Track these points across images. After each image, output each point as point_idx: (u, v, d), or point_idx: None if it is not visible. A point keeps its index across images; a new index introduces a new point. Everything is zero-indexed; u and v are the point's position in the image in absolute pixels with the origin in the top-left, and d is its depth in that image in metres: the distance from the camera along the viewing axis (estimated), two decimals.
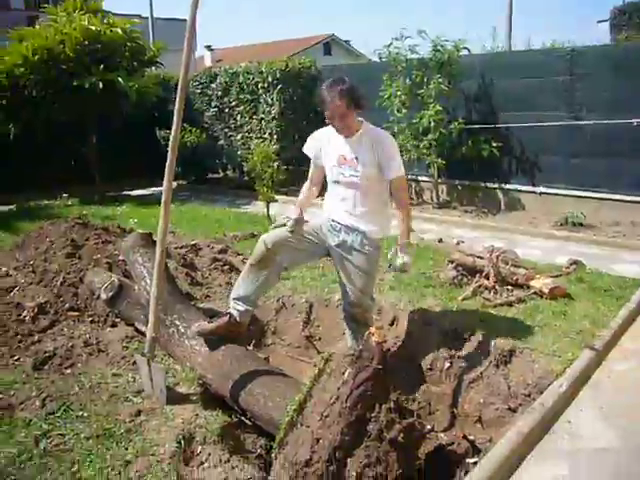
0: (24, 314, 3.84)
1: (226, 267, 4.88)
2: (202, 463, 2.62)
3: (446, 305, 4.12)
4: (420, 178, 8.37)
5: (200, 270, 4.79)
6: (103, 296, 3.71)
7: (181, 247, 5.31)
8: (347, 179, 3.25)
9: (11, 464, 2.53)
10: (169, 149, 2.90)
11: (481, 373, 3.54)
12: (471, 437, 3.42)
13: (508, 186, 7.61)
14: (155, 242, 3.90)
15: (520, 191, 7.51)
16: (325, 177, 3.46)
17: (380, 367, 2.70)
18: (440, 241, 6.14)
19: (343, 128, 3.16)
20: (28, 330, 3.73)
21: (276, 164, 6.82)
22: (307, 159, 3.52)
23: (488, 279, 4.26)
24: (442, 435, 3.51)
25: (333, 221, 3.35)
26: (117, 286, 3.67)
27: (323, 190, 3.55)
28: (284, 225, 3.30)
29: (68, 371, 3.33)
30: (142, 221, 7.27)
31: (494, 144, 7.19)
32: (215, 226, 6.92)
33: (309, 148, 3.45)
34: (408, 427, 2.70)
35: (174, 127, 2.89)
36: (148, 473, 2.46)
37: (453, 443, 3.43)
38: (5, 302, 3.98)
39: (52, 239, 4.52)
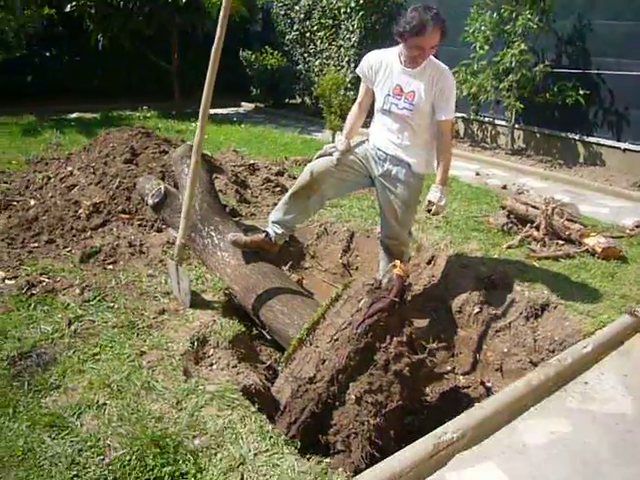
0: (80, 211, 4.10)
1: (277, 189, 4.94)
2: (211, 365, 2.76)
3: (488, 251, 3.99)
4: (497, 122, 7.90)
5: (251, 189, 4.87)
6: (149, 202, 3.88)
7: (239, 165, 5.40)
8: (399, 111, 3.16)
9: (45, 339, 2.79)
10: (210, 60, 2.89)
11: (509, 323, 3.46)
12: (489, 384, 3.40)
13: (590, 139, 7.03)
14: (205, 155, 4.01)
15: (602, 145, 6.92)
16: (373, 103, 3.36)
17: (396, 300, 2.70)
18: (504, 188, 5.86)
19: (416, 59, 3.02)
20: (82, 226, 3.99)
21: (346, 93, 6.65)
22: None
23: (538, 230, 4.05)
24: (461, 378, 3.51)
25: (379, 150, 3.29)
26: (162, 194, 3.81)
27: (368, 119, 3.46)
28: (330, 155, 3.26)
29: (110, 267, 3.56)
30: (211, 138, 7.41)
31: (581, 91, 6.60)
32: (280, 149, 6.96)
33: (363, 70, 3.29)
34: (417, 363, 2.71)
35: (217, 37, 2.86)
36: (158, 364, 2.63)
37: (470, 387, 3.43)
38: (66, 199, 4.26)
39: (114, 144, 4.72)
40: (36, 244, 3.84)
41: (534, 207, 4.24)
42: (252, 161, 5.64)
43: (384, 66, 3.18)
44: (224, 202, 4.32)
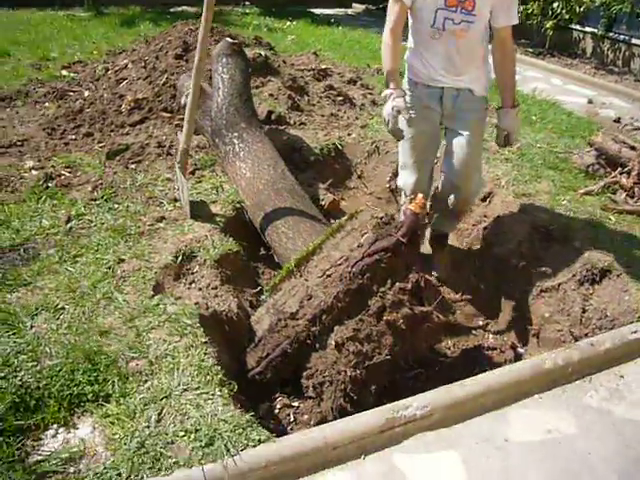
0: (123, 106, 3.96)
1: (339, 98, 4.46)
2: (191, 283, 2.56)
3: (559, 196, 3.31)
4: (634, 41, 6.53)
5: (310, 96, 4.44)
6: (182, 100, 3.63)
7: (308, 70, 4.94)
8: (455, 27, 2.51)
9: (40, 234, 2.74)
10: None
11: (558, 285, 2.88)
12: (520, 350, 2.92)
13: None
14: (241, 52, 3.64)
15: None
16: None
17: (404, 240, 2.29)
18: (617, 121, 4.88)
19: None
20: (121, 122, 3.87)
21: None
22: None
23: (628, 176, 3.27)
24: (491, 337, 3.05)
25: (429, 87, 2.72)
26: None
27: None
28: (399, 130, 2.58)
29: (132, 166, 3.43)
30: (300, 38, 6.94)
31: None
32: (368, 56, 6.33)
33: None
34: (420, 315, 2.33)
35: None
36: (131, 275, 2.47)
37: (497, 349, 2.97)
38: (113, 92, 4.14)
39: (172, 38, 4.46)
40: (74, 136, 3.80)
41: (631, 148, 3.41)
42: (325, 66, 5.15)
43: None
44: (270, 107, 3.97)
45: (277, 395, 2.37)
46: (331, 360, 2.27)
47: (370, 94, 4.75)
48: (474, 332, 3.05)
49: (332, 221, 3.63)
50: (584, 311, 2.74)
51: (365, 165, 3.90)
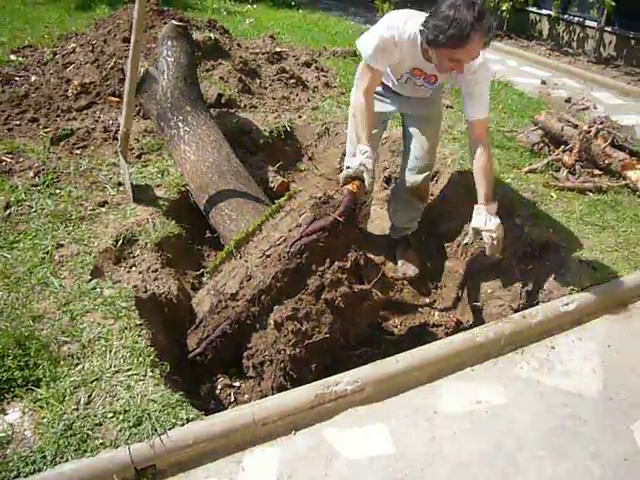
0: (69, 91, 3.88)
1: (292, 80, 4.43)
2: (132, 266, 2.54)
3: (504, 173, 3.35)
4: (587, 23, 6.61)
5: (262, 79, 4.40)
6: None
7: (262, 53, 4.89)
8: (416, 85, 2.64)
9: None
10: None
11: (499, 261, 2.91)
12: (464, 325, 2.96)
13: None
14: (186, 35, 3.58)
15: None
16: None
17: (341, 219, 2.29)
18: (567, 101, 4.95)
19: (447, 70, 2.31)
20: (67, 107, 3.79)
21: None
22: None
23: (570, 154, 3.33)
24: (436, 314, 3.10)
25: (394, 93, 2.79)
26: (140, 76, 3.46)
27: None
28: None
29: (78, 151, 3.36)
30: (259, 22, 6.87)
31: None
32: (326, 39, 6.30)
33: (380, 63, 2.43)
34: (359, 294, 2.36)
35: None
36: (69, 260, 2.44)
37: (441, 325, 3.02)
38: (59, 77, 4.05)
39: (121, 21, 4.37)
40: (18, 122, 3.70)
41: (574, 126, 3.47)
42: (280, 49, 5.11)
43: (402, 57, 2.45)
44: (220, 90, 3.93)
45: (219, 376, 2.39)
46: (271, 339, 2.29)
47: (324, 76, 4.74)
48: (420, 310, 3.09)
49: None
50: (524, 286, 2.80)
51: (315, 147, 3.89)
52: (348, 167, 2.37)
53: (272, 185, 3.55)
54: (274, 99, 4.17)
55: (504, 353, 2.24)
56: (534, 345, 2.29)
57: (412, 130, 2.88)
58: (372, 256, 3.07)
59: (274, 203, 3.05)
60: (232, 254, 2.56)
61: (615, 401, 2.07)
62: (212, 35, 4.20)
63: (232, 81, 4.09)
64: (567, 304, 2.39)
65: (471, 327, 2.90)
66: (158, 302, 2.40)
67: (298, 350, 2.24)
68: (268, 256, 2.40)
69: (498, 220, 2.34)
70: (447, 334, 2.87)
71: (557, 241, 2.80)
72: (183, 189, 3.07)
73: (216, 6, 7.78)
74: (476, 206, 2.40)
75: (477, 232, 2.37)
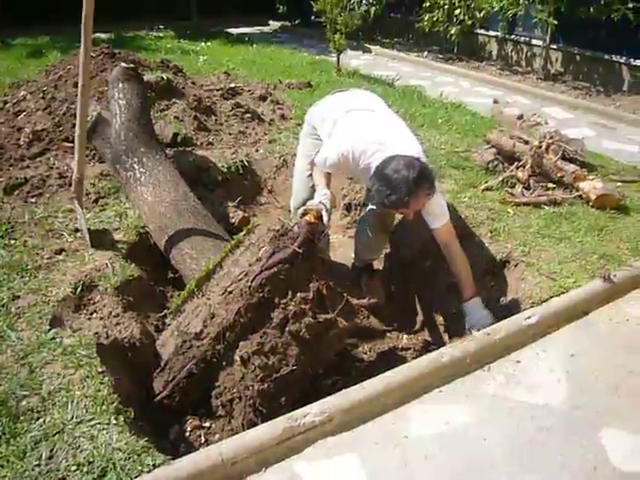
0: (21, 139, 3.84)
1: (247, 115, 4.47)
2: (93, 313, 2.50)
3: (461, 193, 3.43)
4: (533, 42, 6.88)
5: (217, 115, 4.44)
6: None
7: (217, 89, 4.94)
8: None
9: None
10: None
11: None
12: (434, 347, 2.97)
13: (638, 62, 5.97)
14: (137, 76, 3.61)
15: None
16: None
17: (300, 250, 2.30)
18: (520, 118, 5.07)
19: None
20: (20, 155, 3.75)
21: (353, 10, 5.93)
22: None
23: (524, 170, 3.42)
24: (404, 337, 3.10)
25: None
26: (93, 120, 3.46)
27: None
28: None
29: (32, 200, 3.32)
30: (214, 59, 6.95)
31: (630, 4, 5.50)
32: (281, 72, 6.40)
33: (335, 169, 2.70)
34: (324, 323, 2.35)
35: None
36: (27, 311, 2.38)
37: (410, 348, 3.02)
38: (11, 125, 4.01)
39: (72, 66, 4.37)
40: None
41: (525, 142, 3.58)
42: (234, 84, 5.17)
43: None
44: (176, 130, 3.94)
45: (188, 417, 2.34)
46: (238, 376, 2.26)
47: (280, 109, 4.80)
48: (388, 334, 3.10)
49: None
50: (487, 303, 2.84)
51: (274, 180, 3.92)
52: (308, 205, 2.43)
53: (233, 221, 3.55)
54: (230, 135, 4.20)
55: (471, 371, 2.25)
56: (500, 361, 2.31)
57: None
58: (336, 285, 3.10)
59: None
60: (194, 293, 2.54)
61: (582, 409, 2.09)
62: (164, 75, 4.24)
63: (187, 119, 4.11)
64: (529, 317, 2.42)
65: (438, 347, 2.94)
66: (121, 347, 2.35)
67: (266, 385, 2.22)
68: (230, 292, 2.39)
69: (487, 313, 2.56)
70: (416, 357, 2.88)
71: (516, 256, 2.86)
72: (142, 231, 3.05)
73: (170, 46, 7.86)
74: (464, 304, 2.62)
75: (468, 328, 2.54)
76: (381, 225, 2.91)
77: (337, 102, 2.86)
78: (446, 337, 3.01)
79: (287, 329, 2.26)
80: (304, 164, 2.96)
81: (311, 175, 2.85)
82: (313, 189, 2.84)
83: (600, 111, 5.41)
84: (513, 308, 2.64)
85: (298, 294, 2.32)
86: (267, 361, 2.23)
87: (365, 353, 3.01)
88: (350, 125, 2.65)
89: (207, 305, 2.44)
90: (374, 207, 2.87)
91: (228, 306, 2.33)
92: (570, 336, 2.46)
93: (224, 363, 2.30)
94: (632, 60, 6.04)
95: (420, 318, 3.16)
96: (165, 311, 2.75)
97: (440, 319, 3.06)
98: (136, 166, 3.19)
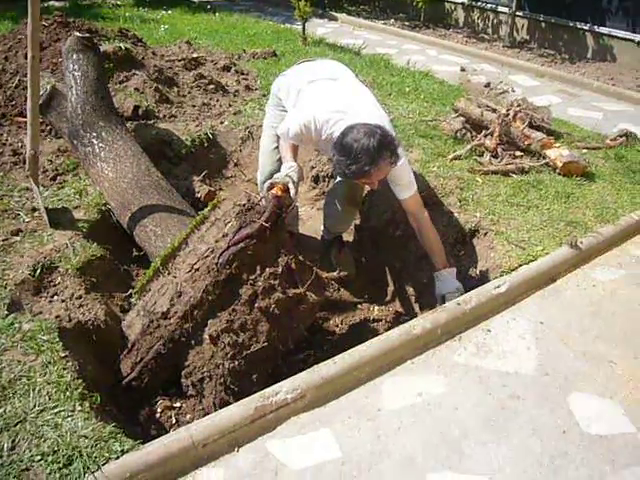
0: None
1: (210, 86, 4.33)
2: (54, 295, 2.40)
3: (430, 162, 3.40)
4: (500, 9, 6.82)
5: (180, 87, 4.28)
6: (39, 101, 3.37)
7: (179, 60, 4.76)
8: None
9: None
10: None
11: None
12: (406, 317, 2.98)
13: (602, 29, 6.00)
14: (97, 48, 3.44)
15: (615, 37, 5.92)
16: None
17: (267, 225, 2.24)
18: (487, 86, 5.07)
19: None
20: None
21: None
22: None
23: (492, 138, 3.41)
24: (375, 309, 3.10)
25: None
26: (47, 94, 3.29)
27: None
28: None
29: None
30: (176, 28, 6.69)
31: None
32: (245, 41, 6.20)
33: (299, 140, 2.58)
34: (294, 298, 2.31)
35: None
36: None
37: (382, 320, 3.02)
38: None
39: (21, 37, 4.14)
40: None
41: (493, 110, 3.55)
42: (197, 54, 4.99)
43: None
44: (136, 102, 3.79)
45: (158, 398, 2.29)
46: (208, 355, 2.22)
47: (245, 79, 4.66)
48: (359, 307, 3.09)
49: None
50: (459, 271, 2.84)
51: (240, 152, 3.82)
52: (274, 178, 2.36)
53: (199, 195, 3.46)
54: (194, 107, 4.06)
55: (442, 342, 2.25)
56: (470, 330, 2.32)
57: None
58: (305, 259, 3.07)
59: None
60: (159, 271, 2.47)
61: (551, 376, 2.11)
62: (123, 45, 4.05)
63: (148, 91, 3.96)
64: (499, 286, 2.43)
65: (410, 318, 2.94)
66: (85, 330, 2.28)
67: (237, 362, 2.19)
68: (197, 270, 2.33)
69: (458, 284, 2.54)
70: (387, 328, 2.88)
71: (485, 225, 2.86)
72: (104, 208, 2.94)
73: (129, 14, 7.53)
74: (435, 273, 2.59)
75: (442, 297, 2.53)
76: (350, 197, 2.86)
77: (302, 72, 2.77)
78: (417, 307, 3.01)
79: (256, 305, 2.22)
80: (270, 136, 2.88)
81: (277, 148, 2.78)
82: (280, 162, 2.77)
83: (565, 78, 5.41)
84: (483, 277, 2.65)
85: (267, 269, 2.28)
86: (237, 338, 2.20)
87: (337, 326, 3.00)
88: (313, 94, 2.57)
89: (173, 283, 2.38)
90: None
91: (195, 284, 2.28)
92: (539, 304, 2.48)
93: (193, 342, 2.26)
94: (596, 27, 6.05)
95: (391, 289, 3.16)
96: (130, 290, 2.68)
97: (411, 290, 3.06)
98: (95, 141, 3.06)
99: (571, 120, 4.30)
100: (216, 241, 2.34)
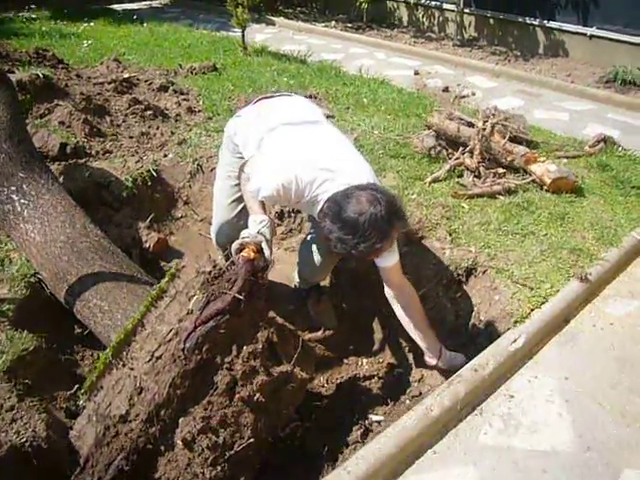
0: None
1: (148, 112, 3.82)
2: None
3: (407, 188, 3.04)
4: (445, 6, 6.59)
5: (112, 115, 3.76)
6: None
7: (109, 82, 4.21)
8: None
9: None
10: None
11: (423, 293, 2.59)
12: (399, 369, 2.63)
13: (552, 24, 5.86)
14: (9, 81, 2.90)
15: (566, 31, 5.78)
16: None
17: (241, 296, 1.83)
18: (445, 90, 4.79)
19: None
20: None
21: None
22: None
23: (472, 156, 3.09)
24: (364, 362, 2.73)
25: None
26: None
27: None
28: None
29: None
30: (102, 43, 6.08)
31: None
32: (180, 54, 5.67)
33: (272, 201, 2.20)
34: (279, 378, 1.91)
35: None
36: None
37: (374, 376, 2.65)
38: None
39: None
40: None
41: (469, 124, 3.25)
42: (128, 74, 4.46)
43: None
44: (63, 139, 3.25)
45: None
46: (183, 463, 1.79)
47: (185, 100, 4.17)
48: (346, 361, 2.71)
49: (164, 265, 3.10)
50: (457, 317, 2.51)
51: (190, 188, 3.34)
52: (243, 237, 1.92)
53: (147, 245, 3.00)
54: (131, 138, 3.55)
55: (462, 419, 1.90)
56: (491, 399, 1.98)
57: None
58: (279, 313, 2.66)
59: (155, 275, 2.52)
60: (112, 364, 2.00)
61: (593, 450, 1.80)
62: (41, 72, 3.49)
63: (76, 124, 3.41)
64: (515, 340, 2.10)
65: (404, 372, 2.60)
66: (21, 455, 1.79)
67: (219, 468, 1.78)
68: (159, 358, 1.88)
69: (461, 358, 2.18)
70: (382, 387, 2.52)
71: (483, 261, 2.53)
72: (33, 280, 2.42)
73: (46, 29, 6.81)
74: (432, 364, 2.22)
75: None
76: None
77: (264, 114, 2.31)
78: (411, 357, 2.67)
79: (237, 394, 1.82)
80: (226, 188, 2.42)
81: (234, 202, 2.35)
82: (238, 216, 2.35)
83: (523, 77, 5.18)
84: (490, 327, 2.32)
85: (244, 348, 1.88)
86: (217, 439, 1.79)
87: (322, 386, 2.62)
88: (285, 145, 2.13)
89: (131, 377, 1.91)
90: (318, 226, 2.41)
91: (159, 376, 1.83)
92: (558, 354, 2.17)
93: (163, 448, 1.82)
94: (546, 22, 5.89)
95: (379, 336, 2.78)
96: (76, 387, 2.19)
97: (402, 336, 2.70)
98: (15, 197, 2.53)
99: (540, 124, 4.06)
100: (179, 320, 1.91)
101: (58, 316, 2.37)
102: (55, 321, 2.37)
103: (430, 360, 2.20)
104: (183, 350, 1.80)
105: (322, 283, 2.87)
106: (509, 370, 2.07)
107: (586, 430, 1.86)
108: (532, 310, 2.24)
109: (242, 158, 2.30)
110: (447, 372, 2.16)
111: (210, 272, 1.94)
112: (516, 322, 2.20)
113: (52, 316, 2.37)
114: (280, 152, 2.08)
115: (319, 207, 2.00)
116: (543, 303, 2.27)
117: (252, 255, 1.93)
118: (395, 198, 1.88)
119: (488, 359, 2.02)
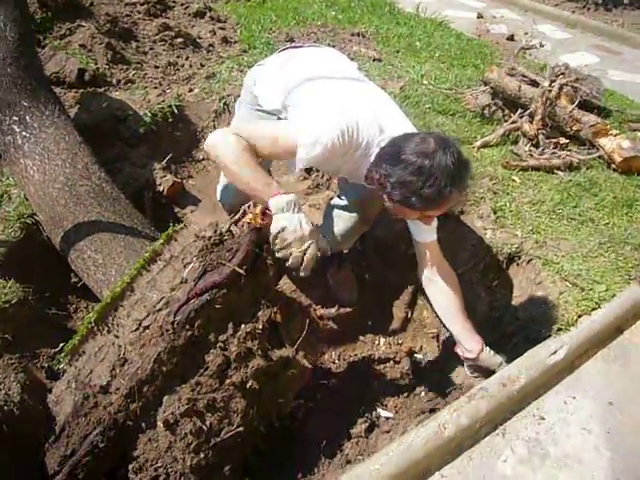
0: None
1: (178, 40, 3.50)
2: None
3: None
4: None
5: (139, 41, 3.45)
6: None
7: (141, 3, 3.87)
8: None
9: None
10: None
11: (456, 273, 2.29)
12: (419, 356, 2.39)
13: None
14: None
15: None
16: None
17: (242, 270, 1.60)
18: (510, 39, 4.27)
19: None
20: None
21: None
22: None
23: (531, 121, 2.68)
24: (382, 343, 2.49)
25: None
26: None
27: None
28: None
29: None
30: None
31: None
32: None
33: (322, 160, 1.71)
34: (277, 363, 1.70)
35: None
36: None
37: (390, 359, 2.42)
38: None
39: None
40: None
41: (532, 83, 2.81)
42: None
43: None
44: (82, 64, 2.98)
45: None
46: (164, 445, 1.61)
47: (222, 29, 3.82)
48: (362, 338, 2.47)
49: (178, 212, 2.87)
50: (491, 309, 2.22)
51: (214, 129, 3.05)
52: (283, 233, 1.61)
53: (161, 188, 2.76)
54: (157, 68, 3.25)
55: (480, 439, 1.65)
56: (517, 418, 1.71)
57: None
58: (295, 289, 2.42)
59: (166, 223, 2.27)
60: (96, 328, 1.82)
61: None
62: None
63: (98, 49, 3.13)
64: (556, 352, 1.79)
65: (425, 359, 2.34)
66: None
67: (202, 455, 1.61)
68: (146, 328, 1.68)
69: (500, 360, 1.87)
70: (399, 376, 2.28)
71: (528, 248, 2.20)
72: (30, 221, 2.23)
73: None
74: (469, 362, 1.93)
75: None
76: (364, 214, 2.15)
77: (292, 65, 1.95)
78: (434, 343, 2.41)
79: (233, 378, 1.62)
80: None
81: None
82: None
83: (602, 30, 4.58)
84: (526, 328, 2.02)
85: (242, 327, 1.65)
86: (202, 424, 1.60)
87: (333, 362, 2.41)
88: (336, 94, 1.78)
89: (115, 346, 1.73)
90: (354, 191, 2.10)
91: (144, 349, 1.63)
92: (604, 372, 1.87)
93: (143, 425, 1.65)
94: None
95: (401, 316, 2.52)
96: (62, 343, 2.03)
97: (428, 319, 2.44)
98: (16, 128, 2.31)
99: (615, 87, 3.56)
100: (172, 289, 1.69)
101: (53, 262, 2.19)
102: (49, 267, 2.19)
103: (469, 354, 1.90)
104: (173, 323, 1.59)
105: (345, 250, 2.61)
106: (543, 385, 1.78)
107: (629, 473, 1.58)
108: (580, 316, 1.92)
109: (261, 112, 1.98)
110: (477, 368, 1.90)
111: (210, 238, 1.70)
112: (559, 329, 1.89)
113: (47, 262, 2.19)
114: (325, 102, 1.73)
115: (369, 161, 1.68)
116: (594, 309, 1.95)
117: (259, 222, 1.66)
118: (462, 151, 1.55)
119: (520, 372, 1.73)
